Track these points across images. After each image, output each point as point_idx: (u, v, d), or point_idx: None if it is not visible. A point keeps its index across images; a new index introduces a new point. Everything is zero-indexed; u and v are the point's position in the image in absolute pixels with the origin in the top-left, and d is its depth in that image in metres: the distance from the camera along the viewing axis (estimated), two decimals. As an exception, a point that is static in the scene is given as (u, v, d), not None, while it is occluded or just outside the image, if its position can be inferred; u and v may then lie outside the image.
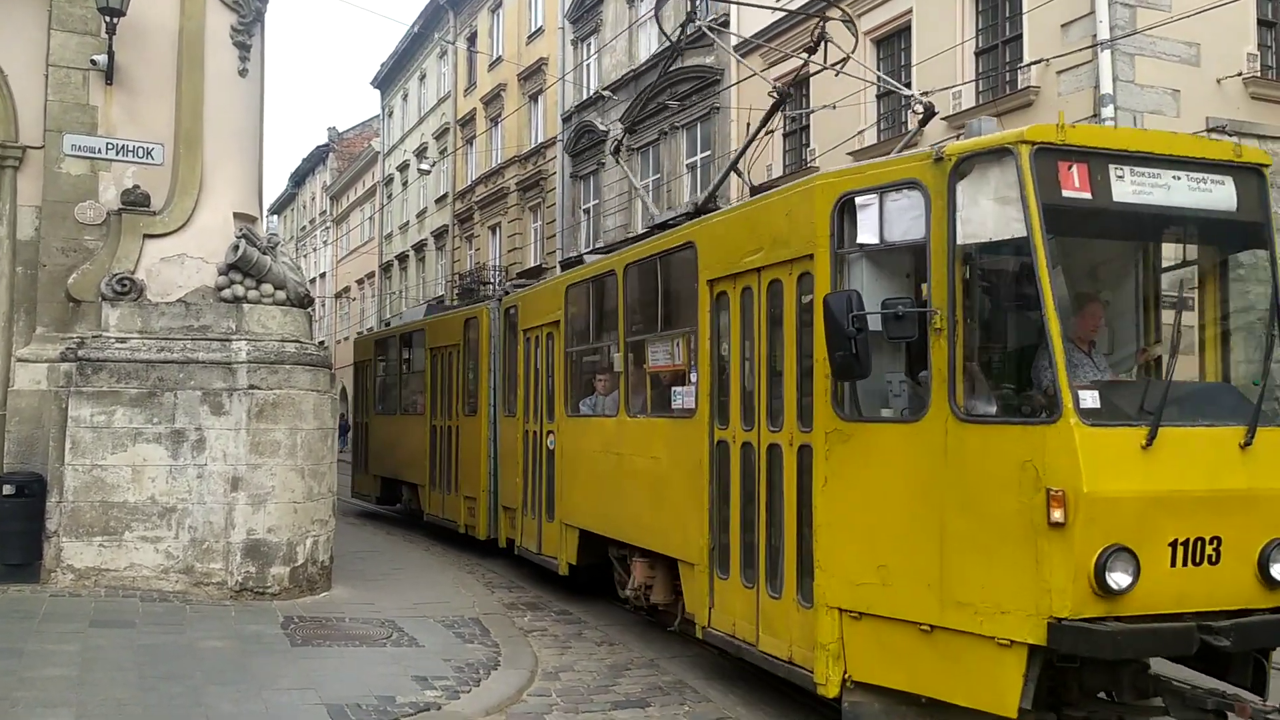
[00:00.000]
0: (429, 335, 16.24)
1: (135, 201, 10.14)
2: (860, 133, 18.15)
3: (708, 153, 25.39)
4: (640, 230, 27.99)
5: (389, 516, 19.84)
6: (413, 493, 17.17)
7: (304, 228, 68.92)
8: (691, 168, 26.26)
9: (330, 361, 11.00)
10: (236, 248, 10.03)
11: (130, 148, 10.29)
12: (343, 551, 13.16)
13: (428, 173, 40.99)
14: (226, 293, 10.09)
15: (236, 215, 10.47)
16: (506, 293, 13.83)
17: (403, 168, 47.13)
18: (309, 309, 10.78)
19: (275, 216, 78.38)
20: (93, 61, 10.15)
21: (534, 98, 34.80)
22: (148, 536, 9.56)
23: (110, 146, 10.23)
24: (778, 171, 21.11)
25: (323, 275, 63.11)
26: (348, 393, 57.14)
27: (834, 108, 14.94)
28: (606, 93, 28.97)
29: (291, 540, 9.86)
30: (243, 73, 10.71)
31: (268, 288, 10.23)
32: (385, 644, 8.39)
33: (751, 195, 8.22)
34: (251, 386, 9.79)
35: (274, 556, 9.75)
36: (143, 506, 9.57)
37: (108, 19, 9.90)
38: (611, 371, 9.67)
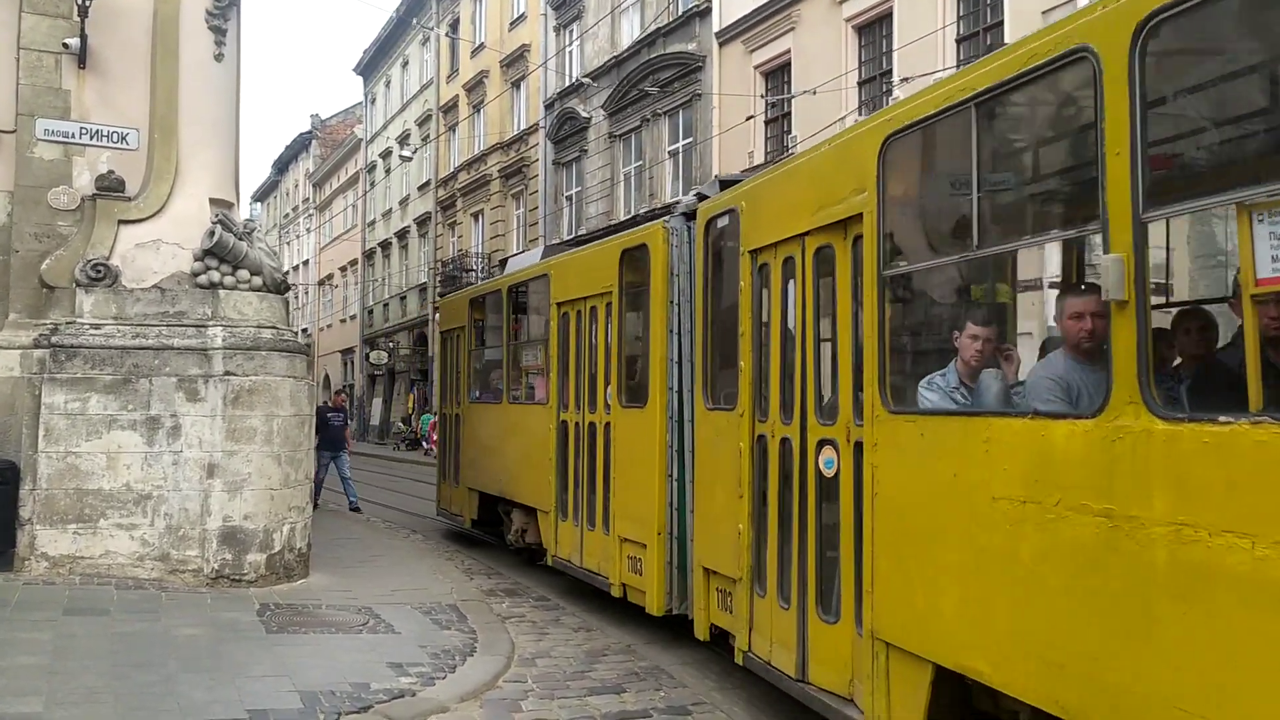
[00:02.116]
0: (556, 284, 10.80)
1: (110, 187, 10.07)
2: (841, 119, 18.15)
3: (689, 139, 25.38)
4: (622, 218, 28.04)
5: (489, 545, 13.89)
6: (529, 520, 11.76)
7: (287, 215, 68.69)
8: (674, 154, 26.26)
9: (307, 349, 10.94)
10: (212, 233, 9.97)
11: (104, 133, 10.20)
12: (322, 539, 13.13)
13: (409, 159, 40.85)
14: (202, 279, 10.03)
15: (213, 201, 10.40)
16: (701, 196, 8.30)
17: (385, 154, 46.98)
18: (286, 295, 10.73)
19: (258, 204, 78.11)
20: (65, 45, 10.05)
21: (516, 84, 34.70)
22: (123, 524, 9.51)
23: (84, 131, 10.14)
24: (759, 159, 21.10)
25: (305, 263, 62.99)
26: (330, 380, 57.09)
27: (814, 93, 14.91)
28: (588, 80, 28.86)
29: (268, 527, 9.82)
30: (219, 57, 10.62)
31: (244, 273, 10.18)
32: (361, 631, 8.37)
33: None
34: (227, 373, 9.74)
35: (250, 544, 9.71)
36: (118, 494, 9.52)
37: (80, 1, 9.80)
38: (1054, 303, 5.10)
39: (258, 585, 9.69)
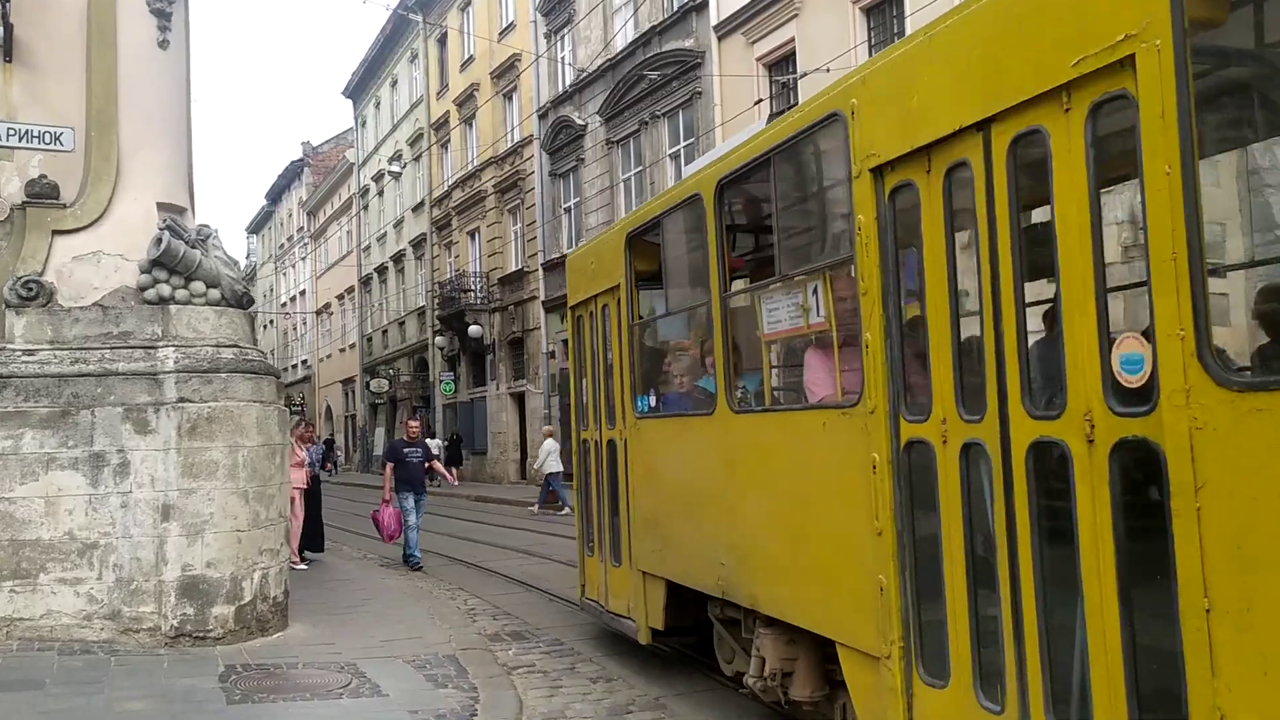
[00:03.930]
0: (868, 124, 4.82)
1: (42, 193, 8.83)
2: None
3: (691, 140, 24.18)
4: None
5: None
6: (798, 656, 5.76)
7: (282, 245, 67.82)
8: (675, 157, 25.05)
9: (277, 370, 9.68)
10: (159, 240, 8.72)
11: (35, 133, 8.96)
12: (309, 580, 11.91)
13: (398, 174, 39.84)
14: (150, 293, 8.78)
15: (161, 206, 9.15)
16: None
17: (378, 178, 45.98)
18: (249, 309, 9.46)
19: (254, 235, 77.31)
20: (-14, 36, 8.85)
21: (508, 95, 33.61)
22: (66, 578, 8.23)
23: (11, 132, 8.90)
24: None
25: (302, 292, 62.06)
26: (332, 411, 55.84)
27: (828, 70, 13.70)
28: (588, 67, 27.64)
29: (235, 575, 8.53)
30: (163, 44, 9.40)
31: (198, 286, 8.92)
32: (341, 694, 7.07)
33: None
34: (181, 399, 8.48)
35: (215, 595, 8.42)
36: (59, 544, 8.24)
37: (1, -14, 8.60)
38: None
39: (225, 642, 8.39)
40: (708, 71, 23.41)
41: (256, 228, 76.17)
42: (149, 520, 8.32)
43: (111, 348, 8.58)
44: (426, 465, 14.76)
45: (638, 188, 26.48)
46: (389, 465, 14.22)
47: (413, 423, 15.37)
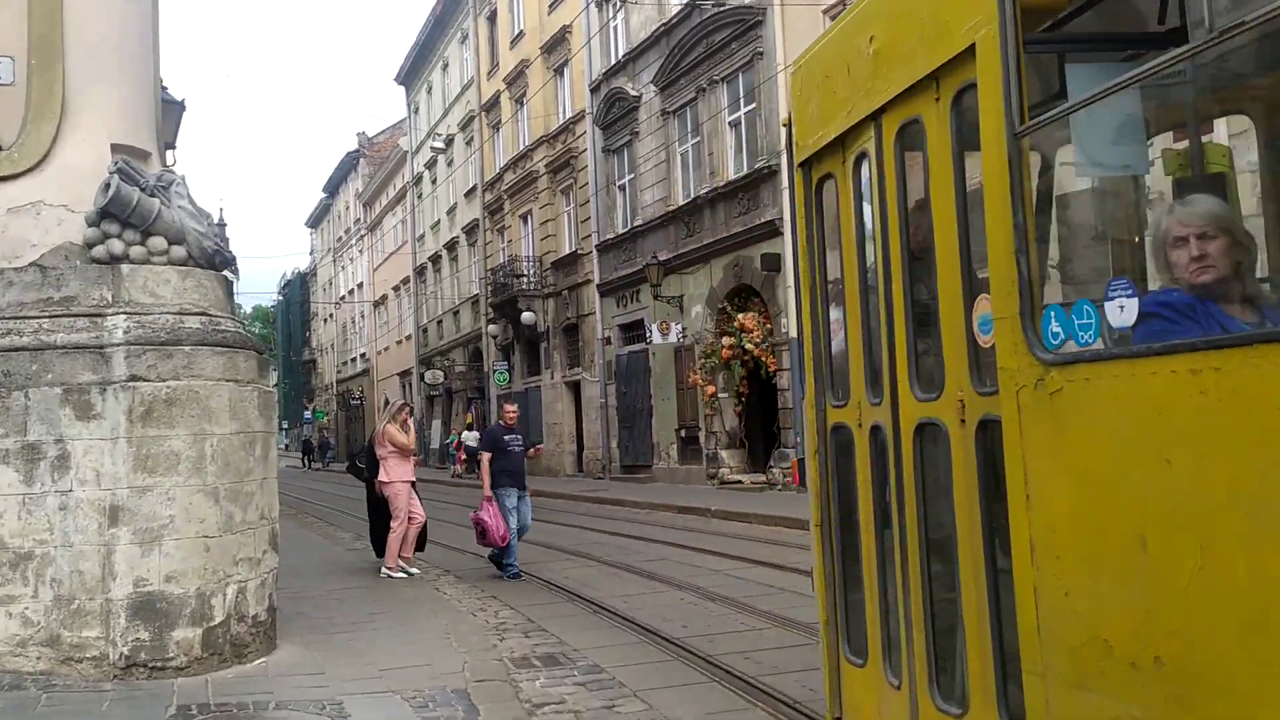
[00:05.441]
0: None
1: (-28, 135, 7.39)
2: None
3: (752, 105, 22.41)
4: (681, 202, 25.11)
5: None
6: None
7: (340, 238, 67.23)
8: (735, 125, 23.30)
9: (259, 343, 8.14)
10: (108, 186, 7.22)
11: (-34, 64, 7.52)
12: (315, 592, 10.44)
13: (443, 150, 38.82)
14: (99, 250, 7.28)
15: (116, 148, 7.65)
16: None
17: (430, 164, 44.80)
18: (223, 270, 7.92)
19: (313, 229, 76.87)
20: (-94, -52, 7.43)
21: (559, 70, 32.06)
22: (-4, 596, 6.77)
23: (-62, 64, 7.47)
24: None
25: (360, 285, 61.38)
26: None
27: None
28: (637, 0, 25.99)
29: (203, 590, 7.01)
30: (119, -42, 7.91)
31: (158, 241, 7.41)
32: (309, 750, 5.51)
33: None
34: (133, 377, 6.97)
35: (176, 615, 6.90)
36: (-12, 554, 6.79)
37: (-83, -115, 7.16)
38: None
39: (190, 672, 6.87)
40: (770, 30, 21.63)
41: (315, 221, 75.78)
42: (93, 525, 6.81)
43: (51, 316, 7.09)
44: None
45: (695, 159, 24.78)
46: (487, 456, 12.11)
47: (509, 407, 13.16)
